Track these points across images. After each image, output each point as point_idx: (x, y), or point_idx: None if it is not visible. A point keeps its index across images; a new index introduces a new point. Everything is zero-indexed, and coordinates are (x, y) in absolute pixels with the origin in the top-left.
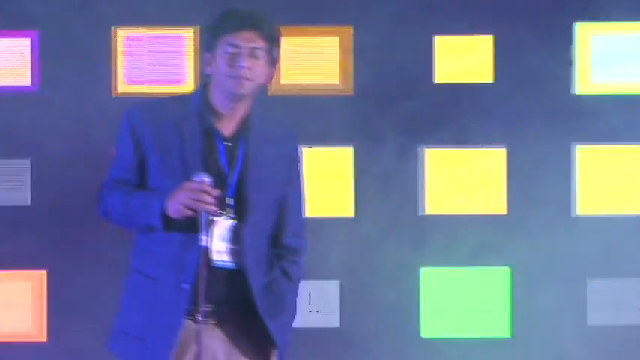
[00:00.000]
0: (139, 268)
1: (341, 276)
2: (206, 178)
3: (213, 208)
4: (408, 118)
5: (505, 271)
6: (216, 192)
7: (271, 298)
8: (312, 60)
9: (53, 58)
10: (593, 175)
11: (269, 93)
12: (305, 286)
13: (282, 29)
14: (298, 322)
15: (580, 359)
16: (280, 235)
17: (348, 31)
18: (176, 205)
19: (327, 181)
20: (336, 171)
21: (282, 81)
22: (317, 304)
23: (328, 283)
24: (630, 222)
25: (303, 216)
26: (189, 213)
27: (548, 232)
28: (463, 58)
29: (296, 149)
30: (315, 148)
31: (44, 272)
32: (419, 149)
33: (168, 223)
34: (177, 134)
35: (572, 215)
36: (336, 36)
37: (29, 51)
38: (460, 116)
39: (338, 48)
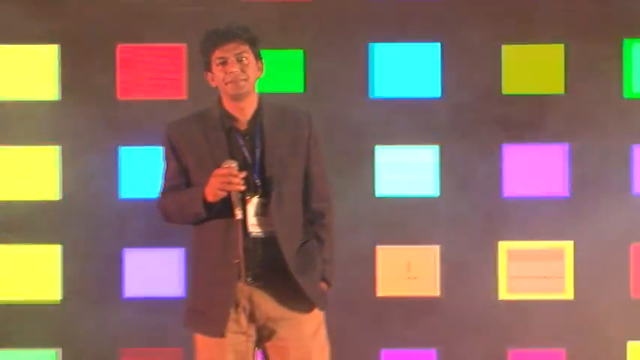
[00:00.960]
0: (196, 254)
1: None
2: (233, 163)
3: (240, 186)
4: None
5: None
6: (241, 173)
7: (302, 257)
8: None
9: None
10: None
11: None
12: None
13: None
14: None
15: None
16: (308, 202)
17: None
18: (211, 190)
19: None
20: None
21: None
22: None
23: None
24: None
25: (325, 183)
26: (223, 194)
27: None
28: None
29: (310, 128)
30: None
31: None
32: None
33: (210, 208)
34: (205, 140)
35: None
36: None
37: None
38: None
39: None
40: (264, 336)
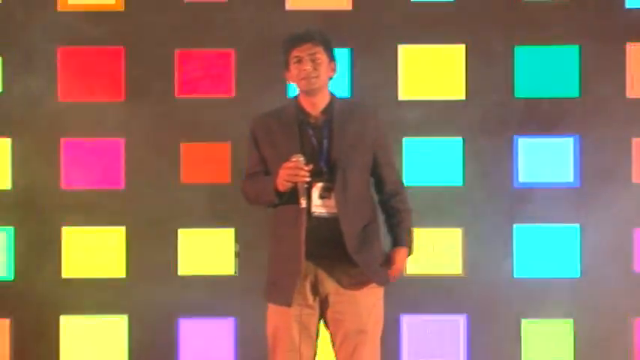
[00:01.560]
0: (272, 232)
1: None
2: (300, 157)
3: (306, 178)
4: None
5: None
6: (308, 166)
7: (362, 238)
8: None
9: None
10: None
11: None
12: None
13: None
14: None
15: None
16: (381, 187)
17: None
18: (280, 181)
19: None
20: None
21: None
22: None
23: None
24: None
25: (395, 168)
26: (291, 185)
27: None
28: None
29: (376, 121)
30: None
31: None
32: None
33: (281, 196)
34: (281, 132)
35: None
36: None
37: None
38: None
39: None
40: (325, 308)
